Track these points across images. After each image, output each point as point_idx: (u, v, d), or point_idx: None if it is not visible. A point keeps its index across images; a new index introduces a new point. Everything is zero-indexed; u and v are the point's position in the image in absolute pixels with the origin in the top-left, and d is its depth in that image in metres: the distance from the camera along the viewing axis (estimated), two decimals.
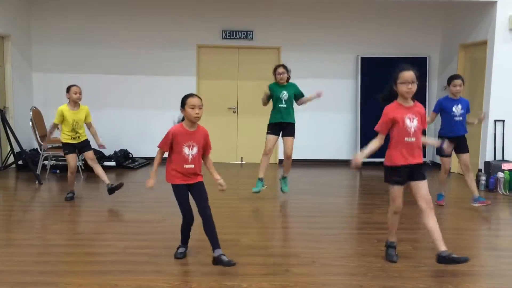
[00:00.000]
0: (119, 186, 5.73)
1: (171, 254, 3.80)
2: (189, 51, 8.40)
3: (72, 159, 5.53)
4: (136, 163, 8.11)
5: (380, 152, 8.71)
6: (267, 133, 5.80)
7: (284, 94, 5.70)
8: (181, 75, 8.45)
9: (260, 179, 5.84)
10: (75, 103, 5.52)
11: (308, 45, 8.48)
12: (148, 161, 8.41)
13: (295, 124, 5.85)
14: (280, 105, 5.72)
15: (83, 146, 5.65)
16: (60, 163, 7.29)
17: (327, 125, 8.63)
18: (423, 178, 3.59)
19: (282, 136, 5.80)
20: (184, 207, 3.71)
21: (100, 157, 7.93)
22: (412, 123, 3.46)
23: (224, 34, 8.37)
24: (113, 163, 7.90)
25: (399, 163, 3.50)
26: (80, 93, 5.54)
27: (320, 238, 4.32)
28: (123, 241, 4.13)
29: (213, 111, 8.60)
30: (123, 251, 3.88)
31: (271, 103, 5.87)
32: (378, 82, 8.65)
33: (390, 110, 3.52)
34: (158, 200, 5.74)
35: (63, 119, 5.46)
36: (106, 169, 7.70)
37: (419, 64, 8.44)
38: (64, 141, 5.51)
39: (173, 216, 4.96)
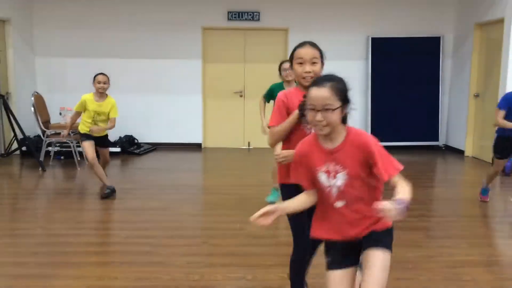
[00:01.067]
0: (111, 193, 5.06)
1: (174, 244, 3.66)
2: (194, 34, 8.17)
3: (88, 147, 4.96)
4: (142, 148, 7.96)
5: (390, 135, 8.43)
6: None
7: None
8: (186, 58, 8.24)
9: (277, 189, 4.67)
10: (100, 94, 4.98)
11: (317, 26, 8.20)
12: (154, 146, 8.26)
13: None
14: None
15: (102, 141, 5.16)
16: (64, 149, 7.16)
17: None
18: (375, 245, 1.92)
19: None
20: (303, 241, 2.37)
21: None
22: (332, 181, 1.92)
23: (230, 16, 8.12)
24: (118, 149, 7.76)
25: (326, 236, 2.03)
26: (104, 83, 4.96)
27: None
28: (125, 230, 3.99)
29: (219, 95, 8.41)
30: (124, 241, 3.74)
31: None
32: (389, 64, 8.44)
33: (298, 152, 2.04)
34: (162, 187, 5.60)
35: (84, 108, 4.97)
36: (111, 154, 7.58)
37: (432, 44, 8.18)
38: (81, 132, 5.03)
39: (177, 203, 4.83)
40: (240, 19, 8.13)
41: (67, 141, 6.67)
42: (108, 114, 5.04)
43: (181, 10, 8.13)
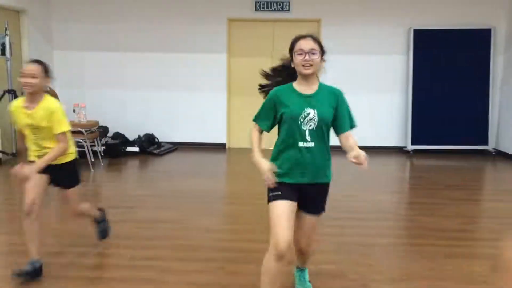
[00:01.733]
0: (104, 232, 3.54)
1: (184, 268, 3.08)
2: (218, 26, 7.60)
3: (29, 188, 2.93)
4: (162, 148, 7.45)
5: (432, 137, 7.45)
6: (270, 198, 2.40)
7: (310, 114, 2.34)
8: (211, 52, 7.67)
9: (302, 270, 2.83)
10: (30, 96, 2.90)
11: (353, 17, 7.50)
12: (175, 146, 7.75)
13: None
14: (299, 143, 2.37)
15: (60, 175, 3.06)
16: (79, 148, 6.69)
17: (374, 108, 7.65)
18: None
19: (299, 209, 2.49)
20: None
21: (123, 142, 7.34)
22: None
23: (257, 6, 7.50)
24: (136, 149, 7.28)
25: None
26: (33, 77, 2.84)
27: (369, 250, 3.48)
28: (130, 249, 3.44)
29: (245, 92, 7.81)
30: (128, 264, 3.19)
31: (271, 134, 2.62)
32: (433, 59, 7.63)
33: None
34: (179, 194, 5.04)
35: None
36: (129, 155, 7.12)
37: (482, 37, 7.35)
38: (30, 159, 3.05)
39: (193, 215, 4.26)
40: (269, 10, 7.51)
41: (81, 140, 6.20)
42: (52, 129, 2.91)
43: (205, 0, 7.56)
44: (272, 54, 7.70)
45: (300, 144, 2.35)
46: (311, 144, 2.35)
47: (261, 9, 7.50)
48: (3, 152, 6.34)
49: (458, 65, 7.36)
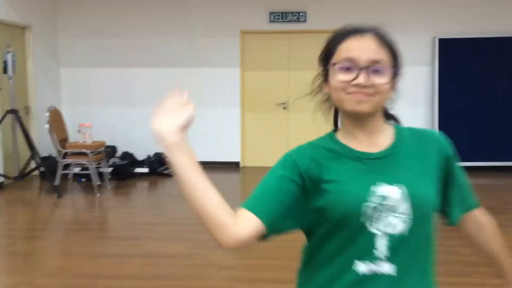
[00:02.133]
0: None
1: None
2: (231, 38, 7.23)
3: None
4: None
5: (461, 154, 6.83)
6: None
7: (390, 197, 1.04)
8: (223, 66, 7.31)
9: None
10: None
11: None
12: None
13: None
14: (358, 265, 1.05)
15: None
16: (84, 171, 6.34)
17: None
18: None
19: None
20: None
21: (132, 162, 6.97)
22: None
23: (272, 17, 7.13)
24: (146, 170, 6.90)
25: None
26: None
27: None
28: None
29: (260, 107, 7.42)
30: None
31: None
32: (461, 69, 7.15)
33: None
34: (189, 222, 4.60)
35: None
36: (138, 176, 6.74)
37: None
38: None
39: (204, 248, 3.83)
40: (284, 21, 7.12)
41: (85, 162, 5.84)
42: None
43: (217, 11, 7.22)
44: (288, 67, 7.31)
45: (361, 268, 1.06)
46: (390, 269, 1.05)
47: (276, 20, 7.12)
48: (5, 176, 6.01)
49: (488, 76, 6.88)
